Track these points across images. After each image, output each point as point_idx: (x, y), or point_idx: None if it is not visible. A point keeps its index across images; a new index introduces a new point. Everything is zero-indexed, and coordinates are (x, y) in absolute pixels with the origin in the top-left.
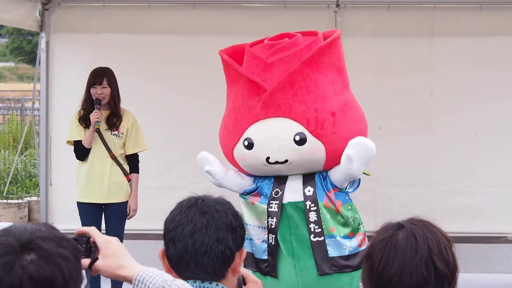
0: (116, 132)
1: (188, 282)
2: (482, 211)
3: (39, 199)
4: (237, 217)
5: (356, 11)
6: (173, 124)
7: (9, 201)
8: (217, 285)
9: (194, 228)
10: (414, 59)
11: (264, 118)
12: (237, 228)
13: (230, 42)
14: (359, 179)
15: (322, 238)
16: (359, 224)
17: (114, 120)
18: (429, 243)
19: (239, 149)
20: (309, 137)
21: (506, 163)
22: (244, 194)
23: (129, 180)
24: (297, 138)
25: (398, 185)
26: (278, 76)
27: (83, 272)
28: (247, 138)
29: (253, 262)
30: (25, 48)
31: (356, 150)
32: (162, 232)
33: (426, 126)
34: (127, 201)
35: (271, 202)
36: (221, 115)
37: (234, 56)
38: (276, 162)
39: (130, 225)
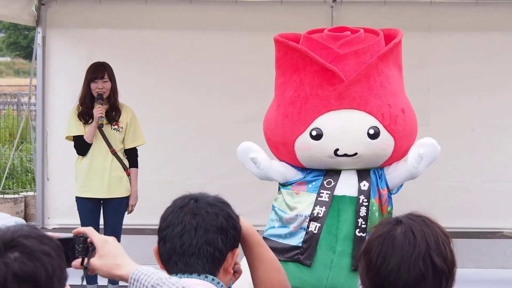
0: (116, 127)
1: (184, 275)
2: (478, 206)
3: (35, 194)
4: (230, 218)
5: (353, 7)
6: (169, 119)
7: (6, 196)
8: (213, 279)
9: (184, 229)
10: (411, 55)
11: (337, 109)
12: (228, 229)
13: (227, 37)
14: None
15: (365, 234)
16: None
17: (114, 114)
18: (427, 238)
19: (304, 139)
20: (383, 131)
21: (503, 159)
22: (286, 184)
23: (128, 175)
24: (371, 131)
25: None
26: (351, 68)
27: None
28: (316, 128)
29: (281, 249)
30: (22, 43)
31: (428, 150)
32: (157, 227)
33: (423, 121)
34: (127, 196)
35: (321, 191)
36: (219, 109)
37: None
38: (345, 155)
39: (126, 220)
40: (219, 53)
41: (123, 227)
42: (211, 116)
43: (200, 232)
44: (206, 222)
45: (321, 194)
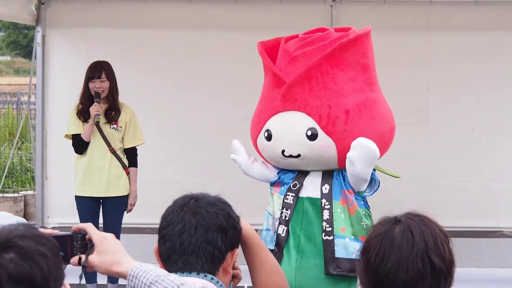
0: (115, 126)
1: (183, 273)
2: (478, 205)
3: (35, 193)
4: (230, 218)
5: (352, 6)
6: (169, 119)
7: (5, 194)
8: (212, 278)
9: (184, 228)
10: (411, 54)
11: (282, 111)
12: (228, 229)
13: (226, 36)
14: (378, 181)
15: (332, 237)
16: None
17: (113, 113)
18: (425, 238)
19: (261, 140)
20: (320, 133)
21: (503, 158)
22: (271, 184)
23: (127, 174)
24: (309, 133)
25: (394, 179)
26: (300, 69)
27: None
28: (268, 129)
29: None
30: (21, 42)
31: (357, 151)
32: (157, 227)
33: (423, 120)
34: (126, 195)
35: (288, 193)
36: (219, 109)
37: (274, 49)
38: (290, 156)
39: (126, 219)
40: (219, 52)
41: (122, 226)
42: (211, 115)
43: (200, 230)
44: (206, 221)
45: (287, 197)
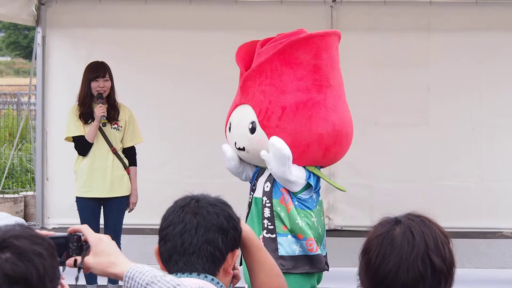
0: (116, 126)
1: (184, 274)
2: (478, 206)
3: (35, 193)
4: (230, 219)
5: (353, 7)
6: (168, 118)
7: (5, 195)
8: (212, 279)
9: (184, 228)
10: (411, 54)
11: (239, 104)
12: (228, 229)
13: (226, 37)
14: (317, 184)
15: (274, 235)
16: (310, 230)
17: (113, 113)
18: (426, 238)
19: (227, 132)
20: (258, 127)
21: (503, 158)
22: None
23: (128, 174)
24: (250, 126)
25: (394, 180)
26: None
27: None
28: (230, 121)
29: None
30: (22, 43)
31: (270, 150)
32: (157, 227)
33: (423, 120)
34: (127, 195)
35: (250, 193)
36: (218, 108)
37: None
38: (239, 149)
39: (126, 220)
40: (219, 52)
41: (123, 227)
42: (210, 115)
43: (200, 231)
44: (207, 221)
45: (249, 196)
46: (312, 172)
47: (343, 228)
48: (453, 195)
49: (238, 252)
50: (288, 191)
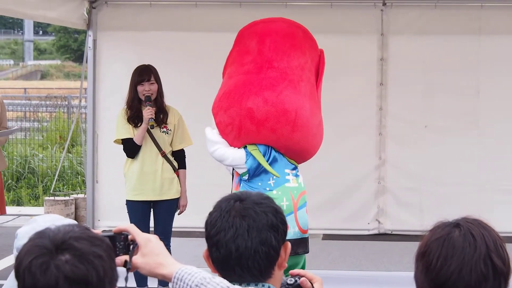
0: (164, 129)
1: (235, 284)
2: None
3: (85, 196)
4: (277, 213)
5: (403, 10)
6: None
7: (56, 198)
8: (263, 285)
9: (236, 233)
10: (461, 58)
11: None
12: (278, 225)
13: None
14: (250, 170)
15: None
16: None
17: (161, 116)
18: (486, 240)
19: None
20: None
21: None
22: None
23: (177, 176)
24: None
25: (444, 183)
26: None
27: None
28: None
29: None
30: (72, 46)
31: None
32: (205, 234)
33: (473, 124)
34: (177, 198)
35: None
36: None
37: None
38: None
39: (175, 222)
40: None
41: (172, 229)
42: None
43: (253, 233)
44: (257, 222)
45: None
46: (252, 155)
47: (393, 232)
48: (504, 199)
49: (289, 243)
50: (239, 175)
